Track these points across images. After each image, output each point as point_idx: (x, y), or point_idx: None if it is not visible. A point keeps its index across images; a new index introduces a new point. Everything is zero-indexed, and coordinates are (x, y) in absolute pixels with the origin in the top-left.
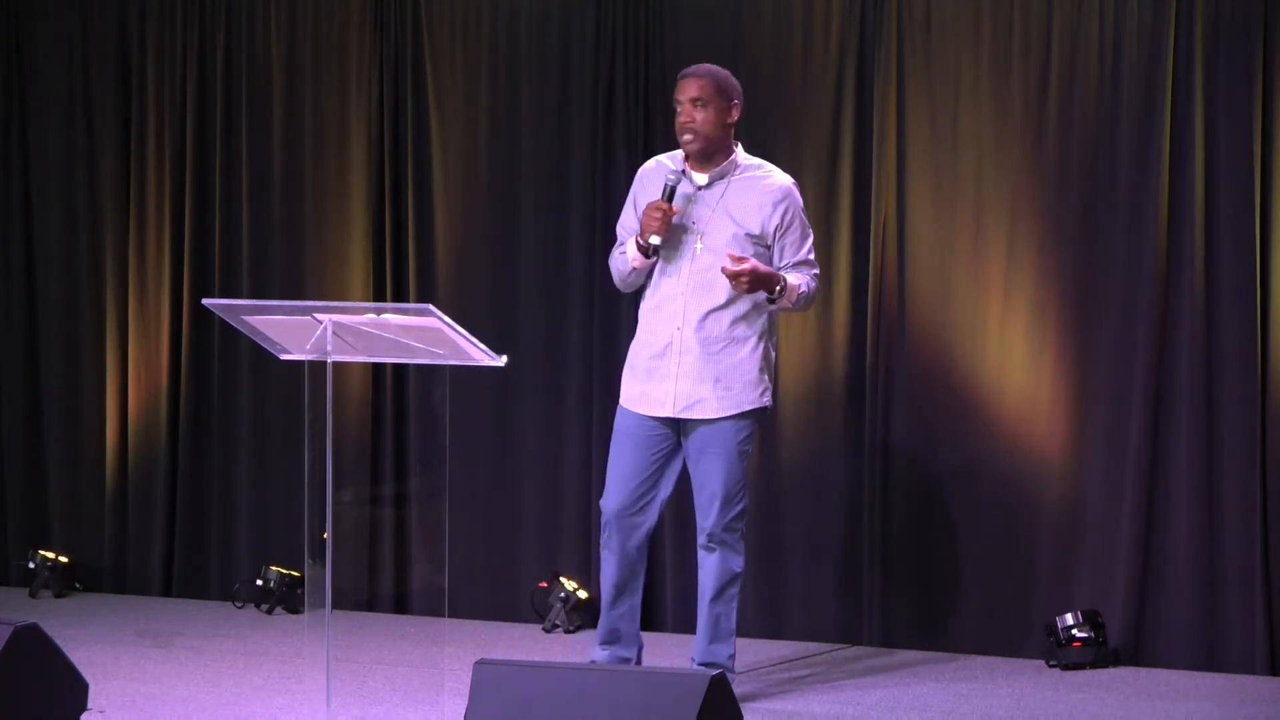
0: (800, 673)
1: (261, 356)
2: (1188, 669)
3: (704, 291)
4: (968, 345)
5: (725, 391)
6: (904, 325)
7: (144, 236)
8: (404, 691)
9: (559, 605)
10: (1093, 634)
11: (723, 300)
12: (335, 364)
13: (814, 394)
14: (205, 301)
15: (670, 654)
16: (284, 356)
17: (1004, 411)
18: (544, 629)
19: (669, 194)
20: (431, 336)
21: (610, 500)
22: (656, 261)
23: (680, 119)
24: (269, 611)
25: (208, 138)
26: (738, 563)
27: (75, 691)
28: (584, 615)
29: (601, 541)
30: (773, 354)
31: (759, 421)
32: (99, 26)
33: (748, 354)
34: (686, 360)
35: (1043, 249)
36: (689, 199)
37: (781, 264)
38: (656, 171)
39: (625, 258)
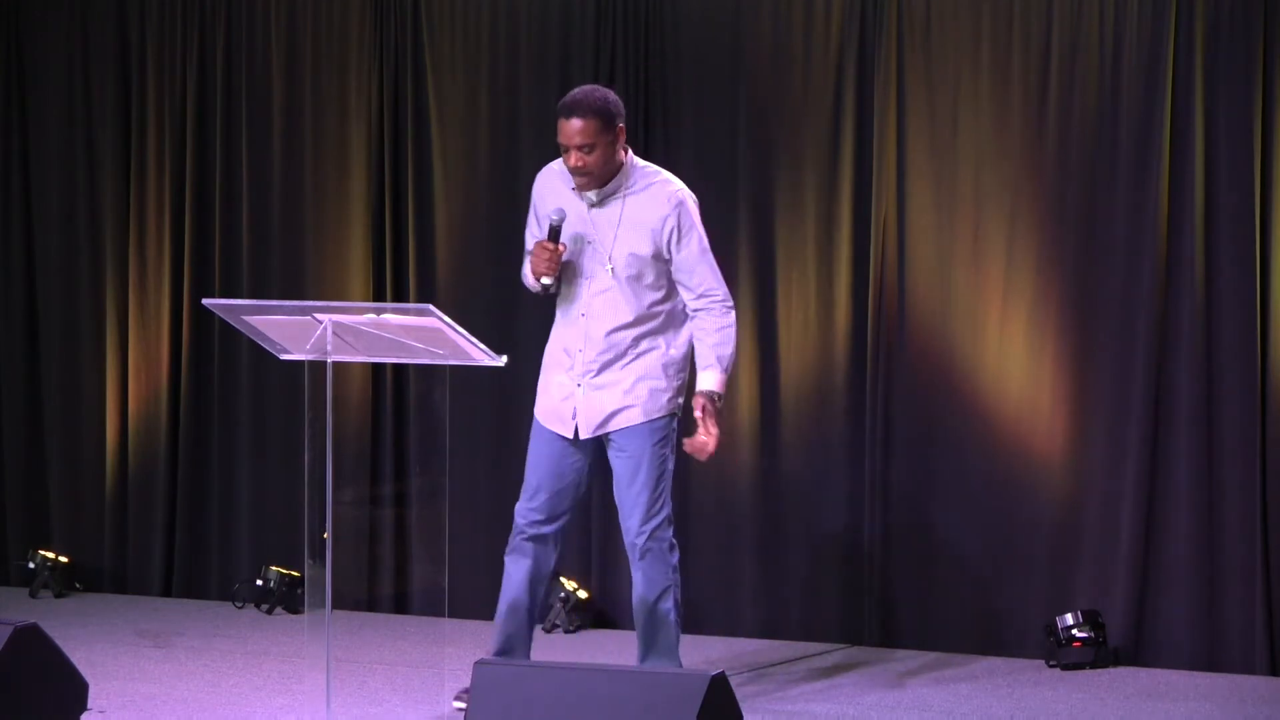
0: (800, 673)
1: (261, 356)
2: (1188, 669)
3: (606, 313)
4: (968, 345)
5: (634, 401)
6: (904, 325)
7: (144, 236)
8: (404, 691)
9: (559, 605)
10: (1093, 634)
11: (628, 319)
12: (335, 364)
13: (814, 394)
14: (205, 301)
15: None
16: (284, 356)
17: (1004, 411)
18: (544, 629)
19: (553, 234)
20: (431, 336)
21: (522, 508)
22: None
23: (570, 162)
24: (269, 611)
25: (208, 138)
26: (666, 575)
27: (75, 691)
28: (584, 615)
29: (508, 548)
30: (678, 355)
31: (671, 425)
32: (99, 27)
33: (653, 361)
34: (590, 383)
35: (1043, 249)
36: (575, 237)
37: (687, 291)
38: (550, 184)
39: (528, 280)
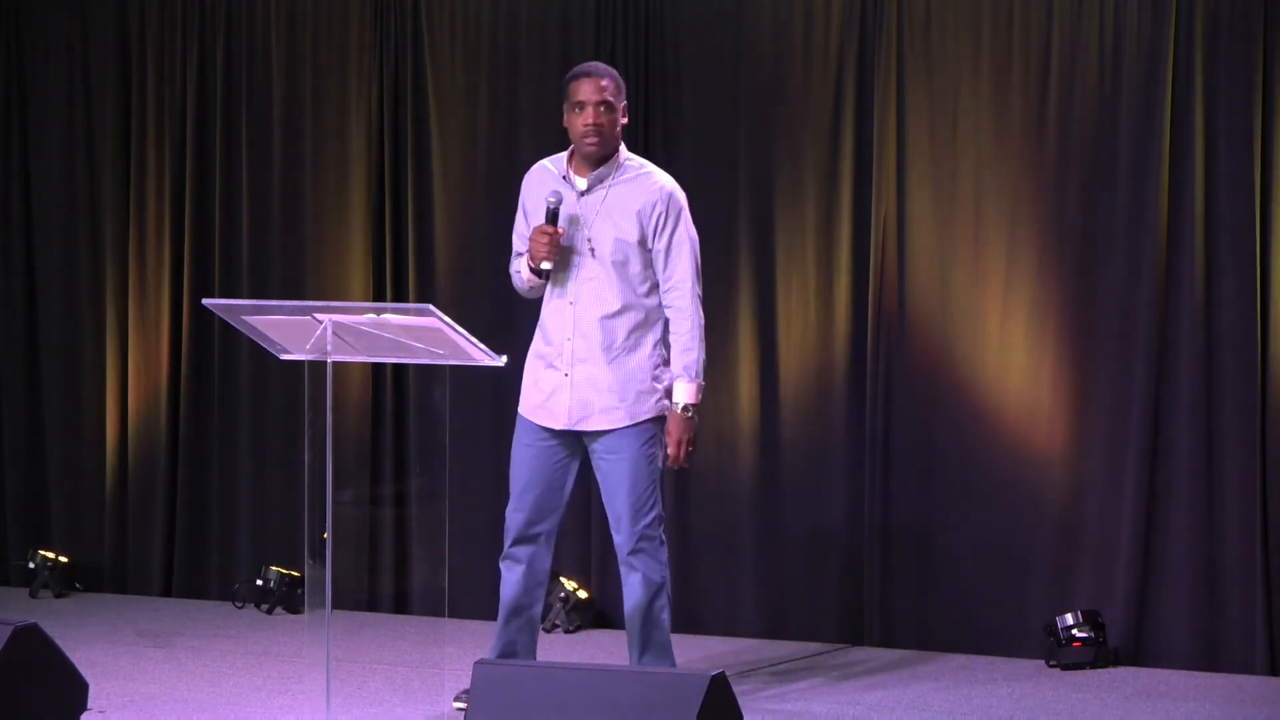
0: (800, 673)
1: (261, 356)
2: (1188, 669)
3: (592, 300)
4: (968, 345)
5: (619, 402)
6: (904, 325)
7: (144, 236)
8: (404, 691)
9: (559, 605)
10: (1093, 634)
11: (615, 307)
12: (335, 364)
13: (814, 393)
14: (205, 301)
15: None
16: (284, 356)
17: (1004, 411)
18: (544, 629)
19: (552, 216)
20: (431, 336)
21: (513, 514)
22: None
23: (586, 120)
24: (269, 611)
25: (208, 138)
26: (659, 572)
27: (75, 691)
28: (584, 615)
29: (502, 554)
30: (664, 358)
31: (657, 426)
32: (99, 27)
33: (641, 362)
34: (578, 370)
35: (1043, 249)
36: (571, 219)
37: (663, 278)
38: (542, 180)
39: (521, 276)
